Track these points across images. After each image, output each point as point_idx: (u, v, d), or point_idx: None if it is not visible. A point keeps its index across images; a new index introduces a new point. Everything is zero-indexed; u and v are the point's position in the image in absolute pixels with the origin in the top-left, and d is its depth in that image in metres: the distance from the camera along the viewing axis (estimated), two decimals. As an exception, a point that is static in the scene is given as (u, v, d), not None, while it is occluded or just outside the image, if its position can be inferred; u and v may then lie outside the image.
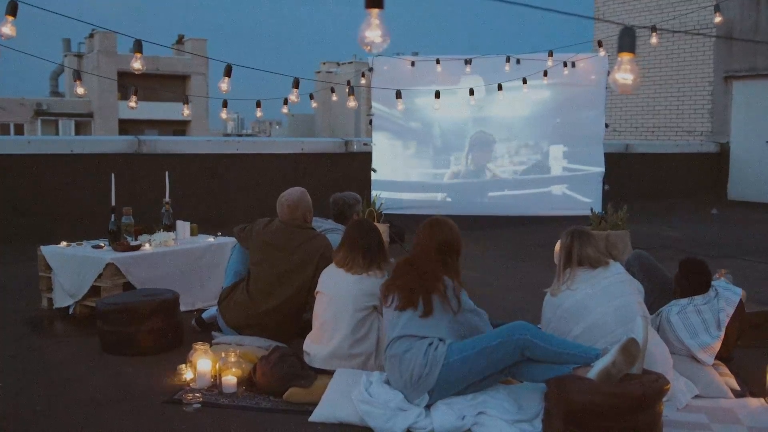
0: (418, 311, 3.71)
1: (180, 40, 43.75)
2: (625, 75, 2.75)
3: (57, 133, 39.84)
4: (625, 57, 2.72)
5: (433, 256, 3.84)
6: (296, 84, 7.26)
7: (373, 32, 2.39)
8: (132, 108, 7.52)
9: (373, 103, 10.45)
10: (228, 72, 6.00)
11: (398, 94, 9.03)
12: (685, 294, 4.54)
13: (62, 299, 5.59)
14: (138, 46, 5.25)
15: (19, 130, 39.39)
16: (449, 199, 10.39)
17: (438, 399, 3.63)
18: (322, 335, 4.23)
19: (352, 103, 8.55)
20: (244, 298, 4.81)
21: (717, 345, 4.27)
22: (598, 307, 3.86)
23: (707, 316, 4.33)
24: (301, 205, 4.90)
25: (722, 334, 4.29)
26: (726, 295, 4.43)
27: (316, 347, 4.23)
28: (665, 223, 11.50)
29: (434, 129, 10.50)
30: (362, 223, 4.54)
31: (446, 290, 3.76)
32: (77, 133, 40.49)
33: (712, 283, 4.59)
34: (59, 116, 41.09)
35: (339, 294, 4.21)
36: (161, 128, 40.52)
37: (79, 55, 43.17)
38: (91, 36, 41.70)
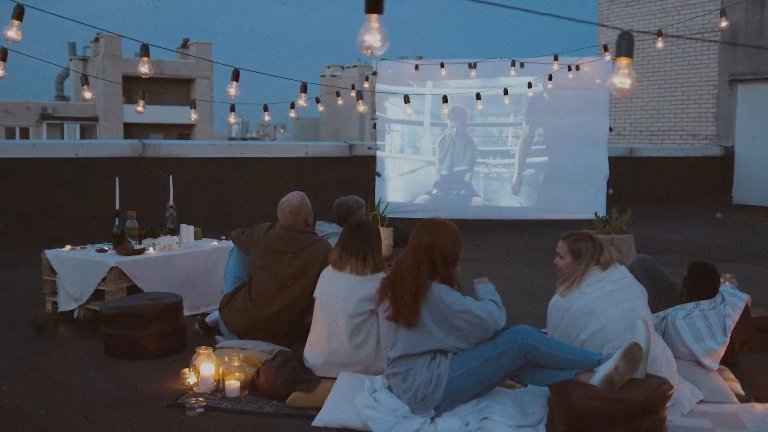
0: (407, 323, 3.56)
1: (185, 44, 43.85)
2: (622, 80, 2.74)
3: (62, 137, 39.93)
4: (623, 61, 2.71)
5: (421, 260, 3.60)
6: (304, 88, 7.22)
7: (373, 37, 2.40)
8: (140, 112, 7.53)
9: (377, 107, 10.48)
10: (236, 77, 5.98)
11: (406, 99, 9.00)
12: (692, 298, 4.53)
13: (66, 303, 5.60)
14: (145, 51, 5.25)
15: (25, 133, 39.50)
16: (453, 202, 10.39)
17: (445, 411, 3.59)
18: (319, 342, 4.21)
19: (361, 107, 8.51)
20: (246, 303, 4.80)
21: (722, 351, 4.24)
22: (606, 311, 3.84)
23: (713, 321, 4.31)
24: (303, 209, 4.89)
25: (727, 339, 4.27)
26: (732, 301, 4.41)
27: (314, 354, 4.21)
28: (669, 227, 11.48)
29: (439, 132, 10.52)
30: (357, 223, 4.48)
31: (430, 296, 3.55)
32: (82, 136, 40.58)
33: (719, 288, 4.57)
34: (64, 120, 41.20)
35: (335, 300, 4.16)
36: (166, 132, 40.59)
37: (85, 59, 43.30)
38: (97, 40, 41.84)
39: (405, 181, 10.53)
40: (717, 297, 4.46)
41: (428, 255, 3.61)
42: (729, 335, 4.28)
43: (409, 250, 3.68)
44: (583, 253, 4.03)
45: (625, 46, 2.69)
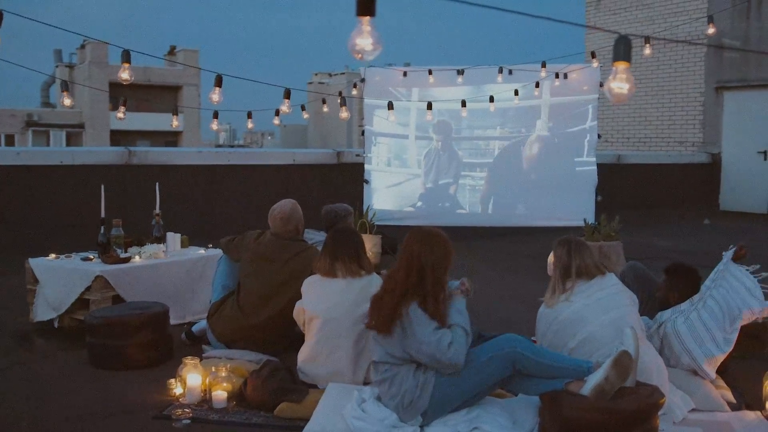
0: (381, 331, 3.55)
1: (172, 51, 43.72)
2: (620, 84, 2.71)
3: (48, 144, 39.69)
4: (621, 66, 2.68)
5: (412, 270, 3.57)
6: (287, 95, 7.22)
7: (364, 40, 2.37)
8: (120, 119, 7.47)
9: (365, 114, 10.45)
10: (219, 83, 5.95)
11: (390, 105, 9.01)
12: (682, 299, 4.50)
13: (45, 312, 5.48)
14: (126, 57, 5.20)
15: (10, 141, 39.25)
16: (441, 210, 10.37)
17: (433, 419, 3.56)
18: (319, 353, 4.15)
19: (344, 114, 8.50)
20: (234, 311, 4.75)
21: (721, 358, 4.18)
22: (594, 319, 3.82)
23: (711, 325, 4.25)
24: (294, 217, 4.88)
25: (734, 336, 4.20)
26: (749, 302, 4.26)
27: (313, 365, 4.16)
28: (658, 233, 11.50)
29: (426, 140, 10.49)
30: (340, 229, 4.53)
31: (405, 315, 3.48)
32: (69, 143, 40.34)
33: (743, 269, 4.49)
34: (50, 127, 40.95)
35: (335, 309, 4.12)
36: (153, 139, 40.45)
37: (71, 66, 43.06)
38: (83, 47, 41.63)
39: (391, 194, 10.50)
40: (701, 288, 4.44)
41: (418, 265, 3.56)
42: (738, 328, 4.21)
43: (400, 262, 3.65)
44: (556, 259, 4.04)
45: (622, 50, 2.65)
